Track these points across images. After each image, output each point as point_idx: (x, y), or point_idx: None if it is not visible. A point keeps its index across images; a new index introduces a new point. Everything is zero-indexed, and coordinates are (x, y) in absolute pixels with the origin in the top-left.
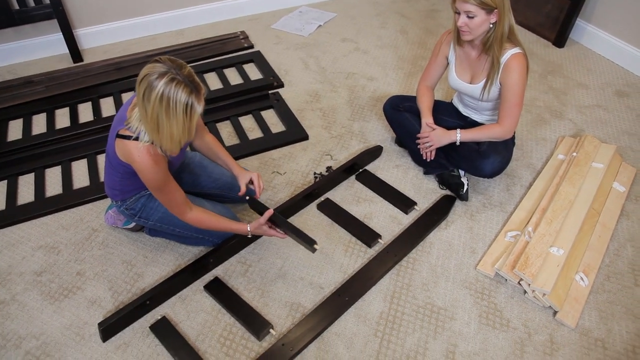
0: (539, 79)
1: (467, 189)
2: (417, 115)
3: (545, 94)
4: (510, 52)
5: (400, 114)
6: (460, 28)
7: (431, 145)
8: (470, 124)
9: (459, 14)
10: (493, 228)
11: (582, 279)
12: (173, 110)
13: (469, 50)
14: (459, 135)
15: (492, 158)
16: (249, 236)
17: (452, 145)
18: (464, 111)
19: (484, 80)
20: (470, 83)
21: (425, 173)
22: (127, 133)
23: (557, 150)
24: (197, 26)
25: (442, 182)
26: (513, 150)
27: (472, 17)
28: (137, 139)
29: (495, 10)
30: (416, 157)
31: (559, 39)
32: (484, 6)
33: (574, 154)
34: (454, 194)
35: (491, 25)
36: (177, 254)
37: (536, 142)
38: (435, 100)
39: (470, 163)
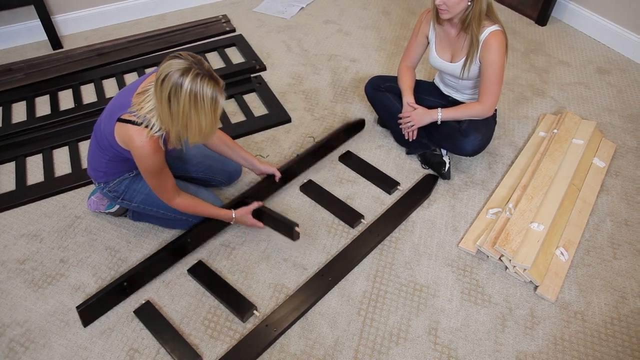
0: (521, 57)
1: (449, 167)
2: (398, 95)
3: (527, 72)
4: (489, 30)
5: (382, 94)
6: (439, 6)
7: (413, 125)
8: (452, 103)
9: None
10: (475, 206)
11: (562, 253)
12: (201, 105)
13: (448, 29)
14: (440, 114)
15: (472, 136)
16: (232, 222)
17: (434, 124)
18: (445, 90)
19: (464, 59)
20: (451, 62)
21: (408, 153)
22: (130, 118)
23: (539, 128)
24: (179, 10)
25: (425, 161)
26: (494, 129)
27: None
28: (140, 124)
29: None
30: (398, 137)
31: (541, 17)
32: None
33: (555, 130)
34: (436, 172)
35: (469, 3)
36: (160, 239)
37: (518, 120)
38: (416, 80)
39: (451, 142)
